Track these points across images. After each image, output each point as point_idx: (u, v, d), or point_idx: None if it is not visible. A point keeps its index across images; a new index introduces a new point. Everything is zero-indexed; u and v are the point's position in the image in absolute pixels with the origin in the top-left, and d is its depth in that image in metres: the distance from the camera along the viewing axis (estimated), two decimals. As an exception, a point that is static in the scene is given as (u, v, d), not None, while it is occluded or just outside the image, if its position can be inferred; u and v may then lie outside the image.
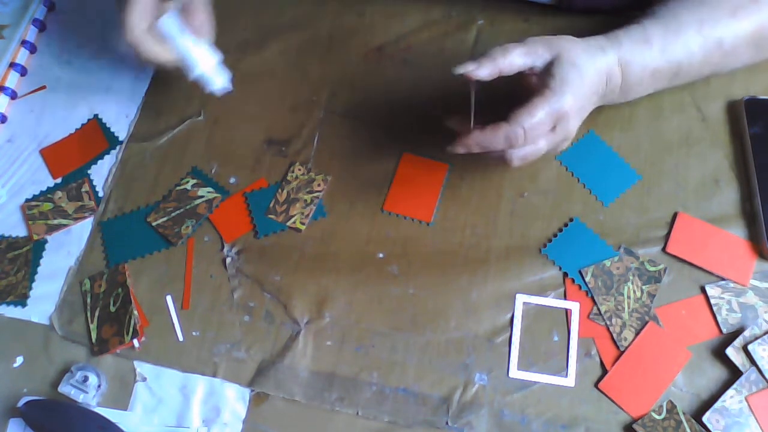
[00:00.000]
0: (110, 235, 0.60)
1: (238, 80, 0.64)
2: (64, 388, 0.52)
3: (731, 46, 0.52)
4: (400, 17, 0.66)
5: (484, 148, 0.49)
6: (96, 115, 0.66)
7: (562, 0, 0.62)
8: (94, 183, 0.62)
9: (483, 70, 0.48)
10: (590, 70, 0.49)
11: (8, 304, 0.58)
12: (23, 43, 0.69)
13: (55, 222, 0.61)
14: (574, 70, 0.49)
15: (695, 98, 0.59)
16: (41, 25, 0.71)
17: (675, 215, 0.55)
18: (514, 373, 0.51)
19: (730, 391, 0.48)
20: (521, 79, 0.51)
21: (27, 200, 0.62)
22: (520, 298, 0.53)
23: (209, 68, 0.55)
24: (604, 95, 0.52)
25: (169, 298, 0.56)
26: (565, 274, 0.54)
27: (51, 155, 0.64)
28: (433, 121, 0.58)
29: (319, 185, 0.59)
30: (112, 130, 0.65)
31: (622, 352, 0.51)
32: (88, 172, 0.63)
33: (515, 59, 0.48)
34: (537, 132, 0.48)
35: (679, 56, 0.52)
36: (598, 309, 0.52)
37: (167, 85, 0.66)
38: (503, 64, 0.48)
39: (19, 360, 0.56)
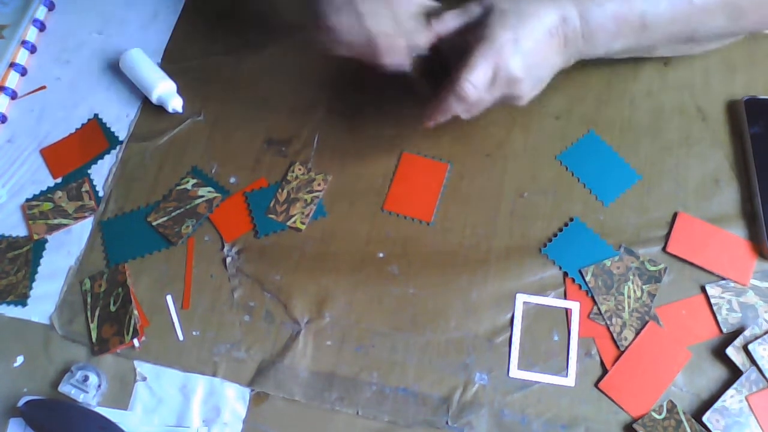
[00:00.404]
0: (110, 235, 0.60)
1: (239, 80, 0.64)
2: (64, 388, 0.52)
3: (701, 2, 0.51)
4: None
5: (448, 113, 0.51)
6: (96, 115, 0.66)
7: None
8: (94, 183, 0.63)
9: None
10: (532, 12, 0.50)
11: (8, 303, 0.58)
12: (23, 43, 0.69)
13: (55, 222, 0.61)
14: (509, 14, 0.49)
15: (695, 98, 0.60)
16: (41, 25, 0.71)
17: (675, 215, 0.55)
18: (514, 372, 0.51)
19: (731, 391, 0.48)
20: (467, 48, 0.51)
21: (27, 200, 0.62)
22: (520, 298, 0.53)
23: (166, 93, 0.63)
24: (566, 41, 0.51)
25: (169, 298, 0.56)
26: (565, 274, 0.54)
27: (51, 155, 0.64)
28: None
29: (319, 185, 0.59)
30: (112, 130, 0.65)
31: (622, 352, 0.51)
32: (88, 171, 0.63)
33: (449, 20, 0.51)
34: (483, 83, 0.49)
35: (642, 4, 0.51)
36: (598, 309, 0.52)
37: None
38: (439, 28, 0.51)
39: (19, 360, 0.56)
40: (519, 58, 0.49)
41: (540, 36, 0.50)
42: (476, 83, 0.49)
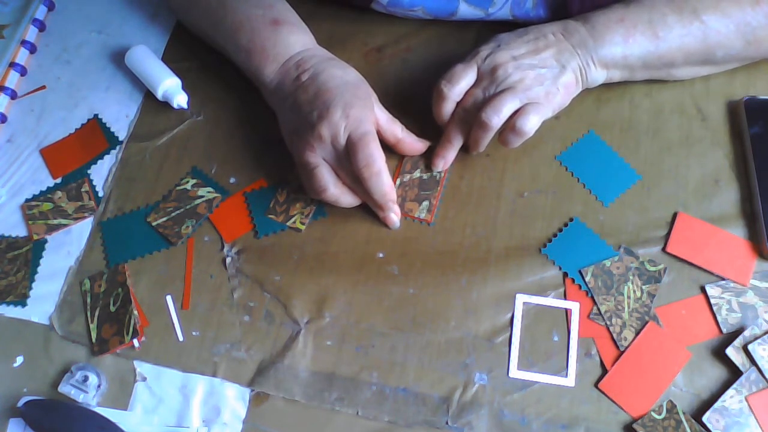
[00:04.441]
0: (110, 235, 0.60)
1: (239, 80, 0.64)
2: (64, 388, 0.52)
3: (711, 21, 0.53)
4: (400, 17, 0.65)
5: (449, 142, 0.57)
6: (96, 115, 0.66)
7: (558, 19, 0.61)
8: (94, 183, 0.62)
9: (444, 112, 0.55)
10: (521, 31, 0.56)
11: (8, 304, 0.58)
12: (23, 43, 0.69)
13: (55, 222, 0.61)
14: (496, 38, 0.56)
15: (695, 98, 0.59)
16: (41, 25, 0.71)
17: (675, 215, 0.55)
18: (514, 373, 0.51)
19: (730, 391, 0.48)
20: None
21: (27, 200, 0.62)
22: (520, 298, 0.53)
23: (172, 88, 0.63)
24: (569, 38, 0.54)
25: (169, 298, 0.56)
26: (565, 274, 0.54)
27: (51, 155, 0.64)
28: (433, 122, 0.58)
29: (319, 185, 0.59)
30: (112, 130, 0.65)
31: (622, 352, 0.51)
32: (88, 172, 0.63)
33: (462, 83, 0.54)
34: (461, 81, 0.54)
35: (646, 11, 0.54)
36: (598, 309, 0.52)
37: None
38: (455, 94, 0.54)
39: (19, 360, 0.56)
40: (502, 52, 0.54)
41: (530, 38, 0.54)
42: (450, 79, 0.54)
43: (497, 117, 0.52)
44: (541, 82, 0.52)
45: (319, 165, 0.53)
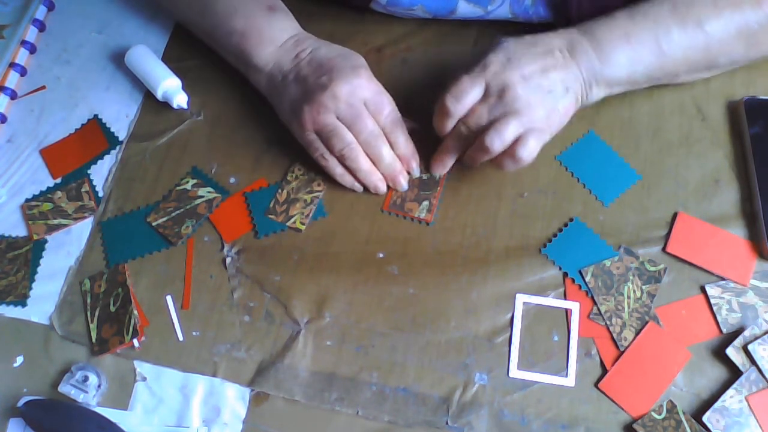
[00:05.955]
0: (110, 235, 0.60)
1: (239, 80, 0.64)
2: (64, 388, 0.52)
3: (714, 30, 0.53)
4: (400, 17, 0.66)
5: (449, 150, 0.56)
6: (96, 115, 0.66)
7: (558, 17, 0.61)
8: (94, 183, 0.62)
9: (446, 128, 0.54)
10: (529, 42, 0.53)
11: (8, 304, 0.58)
12: (23, 43, 0.69)
13: (55, 222, 0.61)
14: (505, 48, 0.53)
15: (695, 98, 0.60)
16: (41, 25, 0.71)
17: (675, 215, 0.55)
18: (514, 373, 0.51)
19: (730, 391, 0.48)
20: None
21: (27, 200, 0.62)
22: (520, 298, 0.53)
23: (172, 89, 0.63)
24: (574, 56, 0.53)
25: (169, 298, 0.56)
26: (565, 274, 0.54)
27: (51, 155, 0.64)
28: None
29: (319, 185, 0.59)
30: (112, 130, 0.65)
31: (622, 352, 0.51)
32: (88, 172, 0.63)
33: (468, 100, 0.52)
34: (468, 98, 0.52)
35: (651, 25, 0.53)
36: (598, 309, 0.52)
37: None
38: (460, 112, 0.53)
39: (19, 360, 0.55)
40: (512, 70, 0.51)
41: (538, 52, 0.52)
42: (457, 96, 0.52)
43: (500, 142, 0.50)
44: (545, 105, 0.51)
45: (336, 123, 0.54)
